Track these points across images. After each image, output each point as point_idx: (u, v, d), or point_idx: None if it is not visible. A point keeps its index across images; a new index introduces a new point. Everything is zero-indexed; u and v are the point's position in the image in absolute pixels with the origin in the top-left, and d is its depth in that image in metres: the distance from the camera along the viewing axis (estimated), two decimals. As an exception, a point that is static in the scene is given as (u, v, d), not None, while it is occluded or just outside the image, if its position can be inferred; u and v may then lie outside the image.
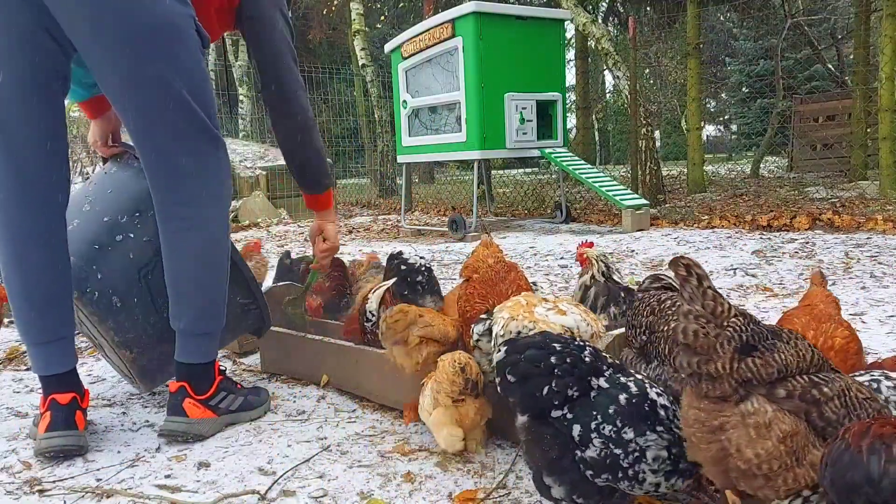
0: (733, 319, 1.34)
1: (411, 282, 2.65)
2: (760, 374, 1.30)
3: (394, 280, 2.68)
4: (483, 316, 2.01)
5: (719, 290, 1.37)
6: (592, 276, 2.75)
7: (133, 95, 2.07)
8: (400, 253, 2.72)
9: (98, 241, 2.38)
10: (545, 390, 1.50)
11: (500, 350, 1.60)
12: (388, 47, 8.72)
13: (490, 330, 1.96)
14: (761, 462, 1.28)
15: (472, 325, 2.03)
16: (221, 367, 2.45)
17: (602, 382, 1.53)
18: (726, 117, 30.15)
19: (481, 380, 2.03)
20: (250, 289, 2.52)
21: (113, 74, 2.05)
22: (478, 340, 1.99)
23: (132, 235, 2.38)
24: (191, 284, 2.25)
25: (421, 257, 2.77)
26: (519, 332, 1.82)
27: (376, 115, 14.13)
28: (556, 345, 1.56)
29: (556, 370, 1.51)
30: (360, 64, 14.36)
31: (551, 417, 1.52)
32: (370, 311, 2.59)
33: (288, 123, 2.52)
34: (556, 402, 1.50)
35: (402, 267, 2.63)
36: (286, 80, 2.48)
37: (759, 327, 1.36)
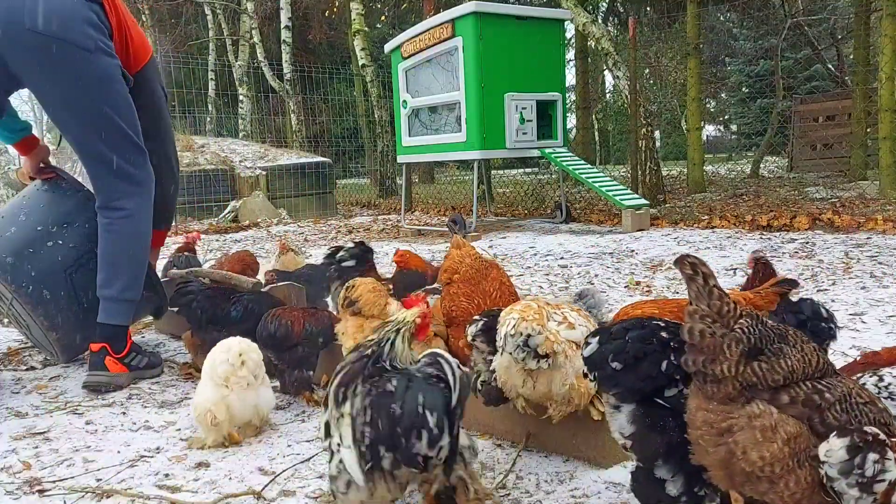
0: (741, 321, 1.32)
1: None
2: (766, 380, 1.30)
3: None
4: (476, 317, 1.99)
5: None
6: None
7: (83, 124, 2.82)
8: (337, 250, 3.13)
9: (32, 246, 3.02)
10: (664, 366, 1.43)
11: (589, 343, 1.50)
12: (388, 47, 8.72)
13: (486, 330, 1.93)
14: (765, 465, 1.28)
15: (467, 326, 2.00)
16: (132, 334, 3.07)
17: None
18: (726, 117, 30.12)
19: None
20: (151, 284, 3.14)
21: (64, 110, 2.81)
22: (473, 340, 1.96)
23: (60, 242, 3.04)
24: (124, 260, 2.91)
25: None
26: (528, 335, 1.78)
27: (376, 115, 14.12)
28: (654, 322, 1.48)
29: (671, 343, 1.43)
30: (360, 64, 14.35)
31: (665, 397, 1.44)
32: None
33: (174, 176, 3.34)
34: (678, 377, 1.43)
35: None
36: (173, 142, 3.34)
37: (766, 329, 1.34)
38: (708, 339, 1.31)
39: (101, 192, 2.93)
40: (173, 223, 9.48)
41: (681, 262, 1.36)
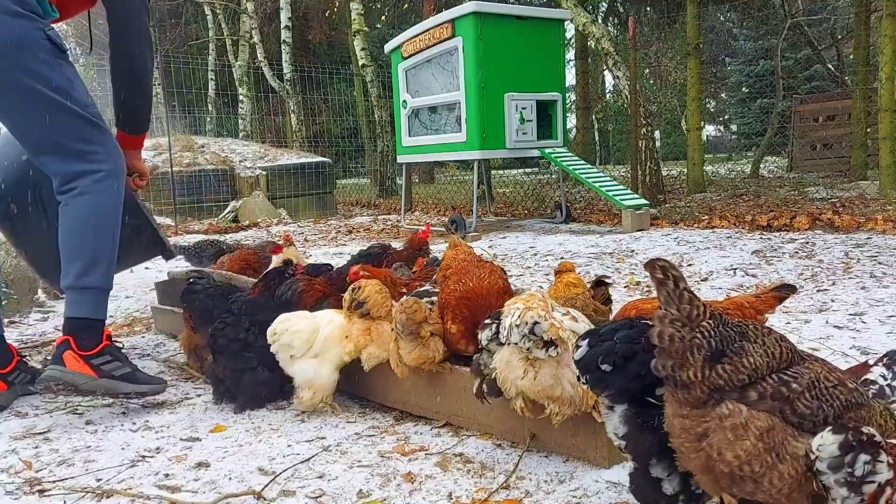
0: (703, 323, 1.32)
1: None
2: (732, 380, 1.30)
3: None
4: (487, 321, 1.98)
5: (694, 291, 1.36)
6: None
7: (9, 107, 2.43)
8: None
9: (8, 158, 2.83)
10: (653, 364, 1.39)
11: (579, 346, 1.49)
12: (388, 47, 8.72)
13: (497, 333, 1.91)
14: (742, 463, 1.28)
15: (479, 332, 1.98)
16: (113, 335, 2.66)
17: None
18: (726, 117, 30.17)
19: None
20: (140, 210, 2.84)
21: None
22: (487, 344, 1.94)
23: None
24: (77, 241, 2.52)
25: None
26: (535, 323, 1.77)
27: (376, 116, 14.13)
28: (643, 321, 1.47)
29: None
30: (360, 64, 14.36)
31: (658, 395, 1.44)
32: None
33: (131, 66, 2.77)
34: None
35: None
36: (136, 29, 2.74)
37: (727, 329, 1.34)
38: (677, 344, 1.31)
39: (55, 176, 2.56)
40: (174, 223, 9.54)
41: (651, 265, 1.35)
